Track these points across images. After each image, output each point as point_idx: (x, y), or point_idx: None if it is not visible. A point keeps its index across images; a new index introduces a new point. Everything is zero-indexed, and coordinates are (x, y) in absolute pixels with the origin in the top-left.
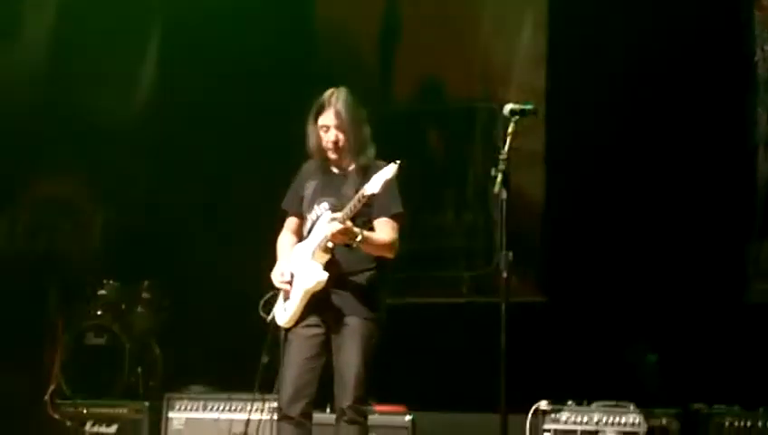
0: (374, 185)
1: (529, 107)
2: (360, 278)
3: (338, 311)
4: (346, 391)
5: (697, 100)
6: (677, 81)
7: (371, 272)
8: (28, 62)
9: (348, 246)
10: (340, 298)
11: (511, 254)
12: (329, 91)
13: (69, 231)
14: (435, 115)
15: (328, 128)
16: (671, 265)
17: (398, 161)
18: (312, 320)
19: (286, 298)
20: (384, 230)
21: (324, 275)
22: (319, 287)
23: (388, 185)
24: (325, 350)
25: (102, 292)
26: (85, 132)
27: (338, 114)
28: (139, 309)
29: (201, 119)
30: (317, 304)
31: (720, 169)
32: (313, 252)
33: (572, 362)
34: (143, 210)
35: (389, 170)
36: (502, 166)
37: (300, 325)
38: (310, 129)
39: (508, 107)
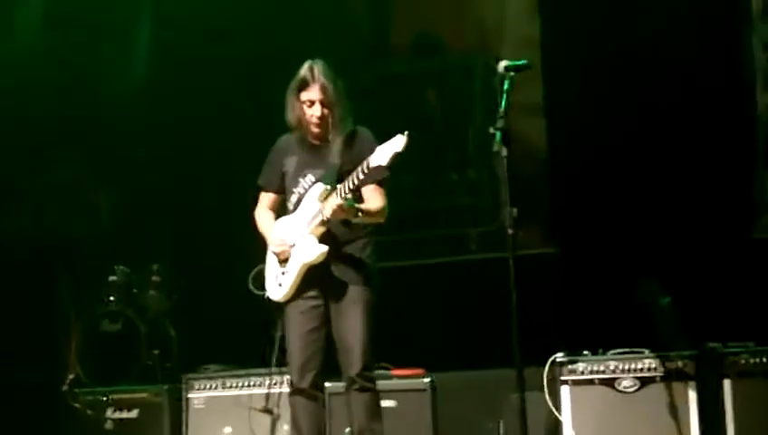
0: (381, 156)
1: (523, 62)
2: (355, 247)
3: (336, 281)
4: (353, 359)
5: (694, 35)
6: (674, 16)
7: (365, 239)
8: (25, 48)
9: (346, 222)
10: (338, 268)
11: (516, 210)
12: (307, 65)
13: (76, 218)
14: (432, 72)
15: (313, 102)
16: (678, 205)
17: (407, 132)
18: (310, 292)
19: (280, 272)
20: (374, 197)
21: (325, 248)
22: (321, 259)
23: (394, 158)
24: (325, 320)
25: (113, 278)
26: (88, 117)
27: (324, 89)
28: (151, 292)
29: (206, 98)
30: (314, 276)
31: (721, 104)
32: (308, 226)
33: (586, 311)
34: (149, 193)
35: (398, 142)
36: (500, 123)
37: (297, 298)
38: (290, 102)
39: (502, 64)
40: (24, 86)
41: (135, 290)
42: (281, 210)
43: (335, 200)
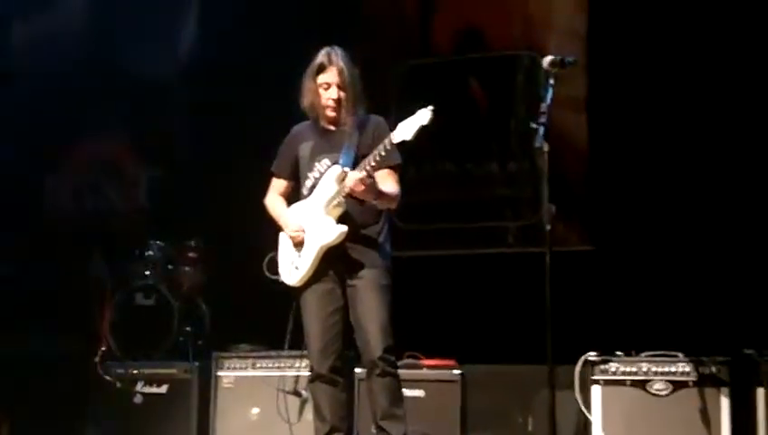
0: (405, 131)
1: (569, 58)
2: (372, 230)
3: (354, 264)
4: (374, 342)
5: (742, 31)
6: (722, 11)
7: (381, 223)
8: (70, 21)
9: (360, 201)
10: (356, 251)
11: (554, 207)
12: (325, 50)
13: (114, 192)
14: (477, 64)
15: (329, 85)
16: (719, 206)
17: (431, 107)
18: (326, 275)
19: (296, 256)
20: (388, 182)
21: (344, 228)
22: (339, 240)
23: (419, 133)
24: (343, 304)
25: (149, 252)
26: (129, 90)
27: (341, 72)
28: (186, 268)
29: (244, 75)
30: (331, 258)
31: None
32: (326, 207)
33: (620, 311)
34: (187, 169)
35: (423, 116)
36: (542, 118)
37: (313, 283)
38: (307, 87)
39: (548, 59)
40: (66, 62)
41: (170, 266)
42: (292, 199)
43: (357, 174)
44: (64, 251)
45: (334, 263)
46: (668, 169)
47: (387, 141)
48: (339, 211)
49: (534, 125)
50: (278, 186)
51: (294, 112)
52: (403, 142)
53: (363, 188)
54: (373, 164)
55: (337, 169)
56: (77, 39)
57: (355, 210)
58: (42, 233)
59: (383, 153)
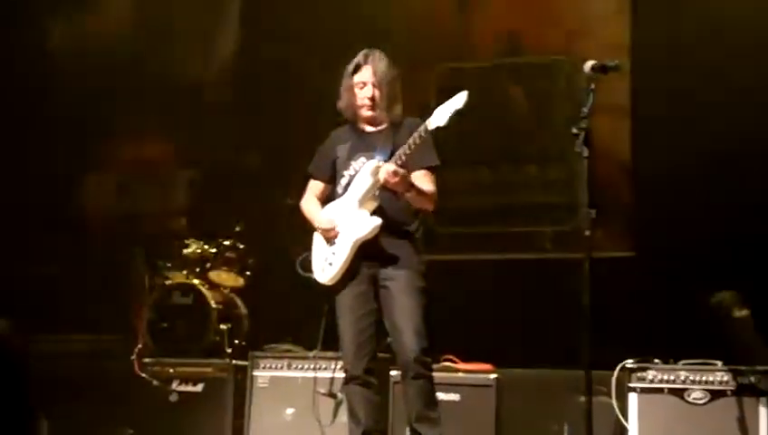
0: (440, 117)
1: (611, 63)
2: (408, 228)
3: (388, 259)
4: (410, 344)
5: None
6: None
7: (416, 225)
8: (112, 22)
9: (393, 193)
10: (391, 245)
11: (594, 211)
12: (363, 51)
13: (153, 191)
14: (517, 69)
15: (365, 84)
16: (763, 216)
17: (466, 91)
18: (358, 275)
19: (330, 253)
20: (424, 182)
21: (378, 221)
22: (374, 234)
23: (454, 118)
24: (376, 305)
25: (187, 251)
26: (168, 91)
27: (375, 71)
28: (224, 267)
29: (282, 76)
30: (365, 254)
31: None
32: (360, 200)
33: (659, 318)
34: (227, 168)
35: (459, 100)
36: (583, 123)
37: (345, 283)
38: (343, 87)
39: (589, 63)
40: (110, 60)
41: (208, 265)
42: (328, 202)
43: (391, 166)
44: (103, 250)
45: (368, 259)
46: (711, 174)
47: (422, 128)
48: (373, 205)
49: (575, 130)
50: (314, 188)
51: (333, 113)
52: (438, 131)
53: (397, 179)
54: (408, 152)
55: (372, 163)
56: (118, 42)
57: (390, 207)
58: (81, 232)
59: (418, 141)
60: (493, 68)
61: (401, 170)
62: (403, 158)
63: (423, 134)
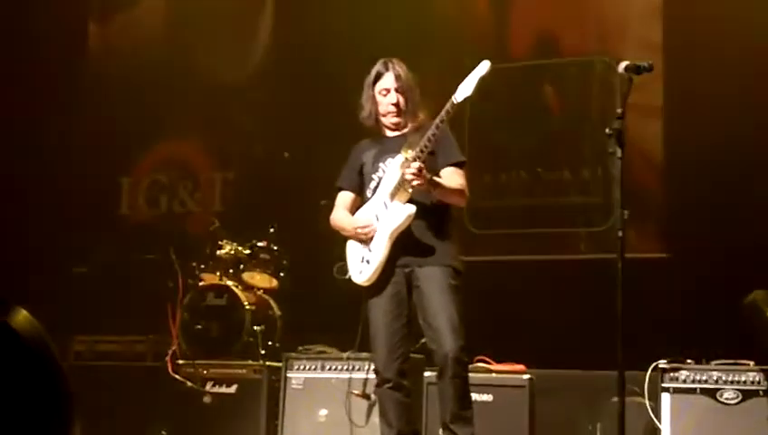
0: (466, 88)
1: (644, 64)
2: (442, 217)
3: (423, 253)
4: (447, 342)
5: None
6: None
7: (450, 219)
8: (146, 27)
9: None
10: (426, 236)
11: (627, 212)
12: (381, 60)
13: (188, 193)
14: (551, 70)
15: (388, 91)
16: None
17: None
18: (392, 276)
19: (367, 251)
20: (453, 178)
21: (413, 208)
22: (409, 221)
23: (480, 85)
24: (408, 304)
25: (221, 252)
26: (203, 93)
27: (398, 77)
28: (258, 269)
29: (315, 77)
30: (402, 246)
31: None
32: (392, 194)
33: (692, 318)
34: (261, 169)
35: (482, 67)
36: (616, 124)
37: (381, 285)
38: (365, 97)
39: (623, 64)
40: (145, 61)
41: (242, 266)
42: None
43: (415, 164)
44: (139, 251)
45: (404, 252)
46: (745, 175)
47: (449, 104)
48: (406, 196)
49: (608, 131)
50: (343, 201)
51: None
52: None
53: (420, 180)
54: (436, 132)
55: (400, 157)
56: (153, 46)
57: (423, 195)
58: (117, 233)
59: (445, 117)
60: (527, 68)
61: (424, 169)
62: (428, 144)
63: (450, 109)
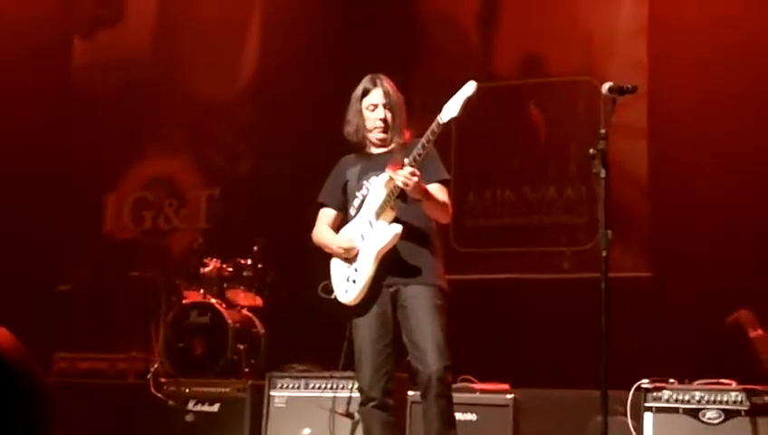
0: (452, 108)
1: (628, 85)
2: (428, 236)
3: (409, 273)
4: (432, 362)
5: None
6: None
7: (435, 242)
8: (132, 44)
9: (411, 208)
10: (412, 257)
11: (610, 232)
12: (369, 76)
13: (173, 210)
14: (536, 89)
15: (376, 106)
16: None
17: (474, 82)
18: (378, 295)
19: (353, 270)
20: (438, 194)
21: (399, 227)
22: (395, 241)
23: (466, 106)
24: (393, 323)
25: (205, 269)
26: (188, 111)
27: (386, 93)
28: (242, 287)
29: (301, 95)
30: (387, 266)
31: None
32: (377, 213)
33: (674, 338)
34: (247, 190)
35: (469, 88)
36: (601, 144)
37: (368, 304)
38: (352, 112)
39: (606, 85)
40: (131, 79)
41: (226, 284)
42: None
43: (408, 169)
44: (123, 268)
45: (390, 272)
46: (729, 195)
47: (435, 124)
48: (391, 215)
49: (593, 151)
50: (325, 217)
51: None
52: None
53: (415, 180)
54: (422, 152)
55: (384, 176)
56: (139, 59)
57: (408, 215)
58: (101, 250)
59: (431, 137)
60: (512, 87)
61: (417, 172)
62: (418, 158)
63: (436, 129)
